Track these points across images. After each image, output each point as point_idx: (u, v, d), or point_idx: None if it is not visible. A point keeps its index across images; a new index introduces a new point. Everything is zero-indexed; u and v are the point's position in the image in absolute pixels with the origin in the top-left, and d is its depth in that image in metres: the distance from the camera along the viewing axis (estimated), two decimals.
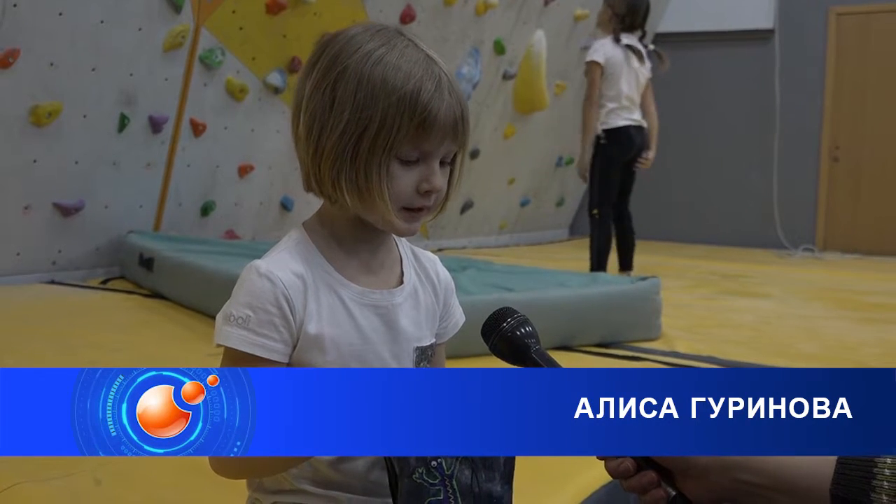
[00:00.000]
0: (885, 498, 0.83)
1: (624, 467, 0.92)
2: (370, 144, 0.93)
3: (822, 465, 0.87)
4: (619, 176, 4.44)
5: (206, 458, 0.99)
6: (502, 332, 0.97)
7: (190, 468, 1.69)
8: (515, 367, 0.97)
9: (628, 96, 4.37)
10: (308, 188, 1.00)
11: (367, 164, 0.93)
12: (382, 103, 0.92)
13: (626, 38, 4.40)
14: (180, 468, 1.71)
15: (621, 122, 4.35)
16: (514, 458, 0.95)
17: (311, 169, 0.97)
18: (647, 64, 4.48)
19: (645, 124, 4.48)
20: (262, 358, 0.95)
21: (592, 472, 1.77)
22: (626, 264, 4.60)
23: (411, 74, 0.93)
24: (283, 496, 1.01)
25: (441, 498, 0.92)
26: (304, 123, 0.97)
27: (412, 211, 0.97)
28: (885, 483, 0.83)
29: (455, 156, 1.00)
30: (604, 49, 4.36)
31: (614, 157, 4.38)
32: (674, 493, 0.92)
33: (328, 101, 0.95)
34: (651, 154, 4.50)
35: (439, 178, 0.96)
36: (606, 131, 4.36)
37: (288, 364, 0.98)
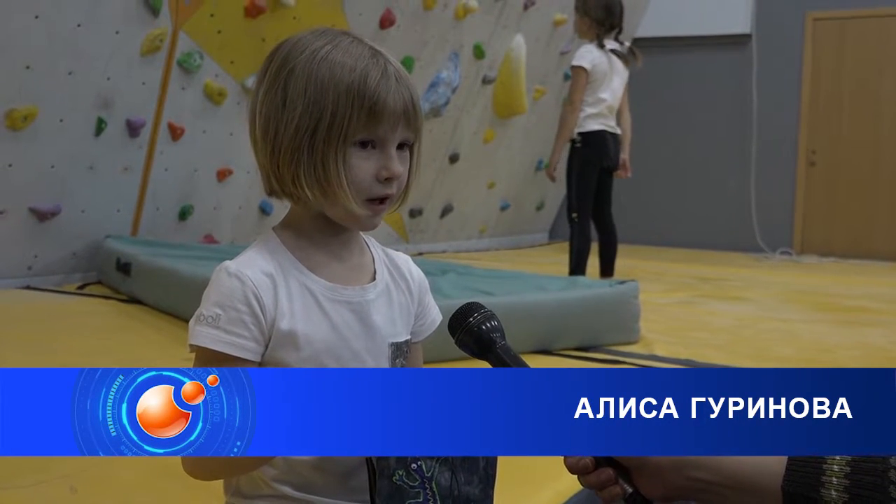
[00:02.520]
0: (834, 493, 0.84)
1: (583, 464, 0.93)
2: (325, 136, 0.95)
3: (773, 463, 0.88)
4: (595, 180, 4.44)
5: (179, 462, 0.99)
6: (468, 327, 0.99)
7: (164, 472, 1.68)
8: (480, 361, 0.99)
9: (609, 105, 4.38)
10: (269, 191, 1.02)
11: (324, 156, 0.96)
12: (332, 95, 0.95)
13: (609, 43, 4.40)
14: (154, 472, 1.69)
15: (597, 127, 4.36)
16: (495, 461, 0.95)
17: (271, 169, 0.99)
18: (627, 70, 4.50)
19: (619, 132, 4.49)
20: (232, 356, 0.95)
21: (571, 476, 1.76)
22: (607, 270, 4.60)
23: (356, 66, 0.96)
24: (261, 501, 1.01)
25: (421, 500, 0.91)
26: (260, 126, 0.99)
27: (375, 202, 0.99)
28: (835, 479, 0.84)
29: (412, 146, 1.02)
30: (591, 55, 4.34)
31: (590, 160, 4.38)
32: (630, 489, 0.93)
33: (280, 101, 0.97)
34: (625, 156, 4.51)
35: (397, 165, 0.98)
36: (582, 135, 4.36)
37: (260, 363, 0.98)
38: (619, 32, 4.51)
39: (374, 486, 0.94)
